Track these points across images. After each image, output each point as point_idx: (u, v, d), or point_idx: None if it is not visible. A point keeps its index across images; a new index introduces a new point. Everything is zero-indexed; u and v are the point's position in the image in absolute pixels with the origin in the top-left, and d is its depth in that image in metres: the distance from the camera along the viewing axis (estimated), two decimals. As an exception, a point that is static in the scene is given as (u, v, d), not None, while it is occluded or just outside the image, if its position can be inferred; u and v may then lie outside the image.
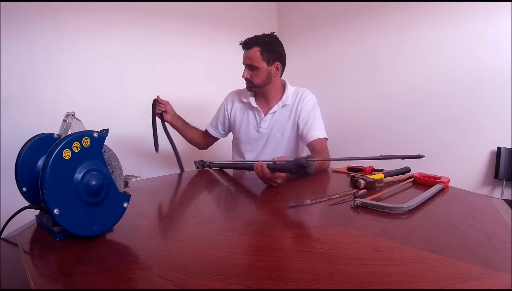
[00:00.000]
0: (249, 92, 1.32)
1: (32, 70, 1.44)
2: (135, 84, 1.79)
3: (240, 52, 1.25)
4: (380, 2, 1.95)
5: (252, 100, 1.31)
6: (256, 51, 1.19)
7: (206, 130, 1.46)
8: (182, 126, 1.35)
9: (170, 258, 0.42)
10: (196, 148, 1.49)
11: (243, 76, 1.24)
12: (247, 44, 1.21)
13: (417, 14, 1.81)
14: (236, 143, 1.42)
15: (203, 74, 2.10)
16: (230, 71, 2.16)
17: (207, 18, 2.08)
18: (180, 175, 1.16)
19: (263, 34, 1.23)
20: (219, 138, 1.48)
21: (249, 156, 1.35)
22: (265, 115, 1.29)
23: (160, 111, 1.26)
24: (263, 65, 1.21)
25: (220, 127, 1.43)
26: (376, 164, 0.99)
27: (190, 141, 1.43)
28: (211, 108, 1.54)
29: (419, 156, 0.60)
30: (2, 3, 1.31)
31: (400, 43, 1.90)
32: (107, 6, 1.63)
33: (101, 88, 1.66)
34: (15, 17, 1.37)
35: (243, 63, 1.24)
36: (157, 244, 0.47)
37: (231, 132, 1.46)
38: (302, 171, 0.73)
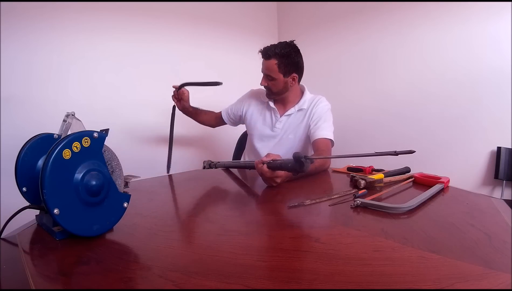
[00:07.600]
0: None
1: (32, 70, 1.43)
2: (136, 84, 1.79)
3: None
4: (380, 2, 1.95)
5: (271, 102, 1.34)
6: (273, 63, 1.21)
7: (220, 113, 1.52)
8: (193, 111, 1.44)
9: (170, 258, 0.42)
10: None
11: (261, 84, 1.28)
12: (266, 54, 1.22)
13: (417, 14, 1.80)
14: (249, 139, 1.46)
15: (204, 74, 2.09)
16: (231, 70, 2.17)
17: (207, 18, 2.08)
18: (180, 175, 1.16)
19: (283, 42, 1.23)
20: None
21: (263, 152, 1.35)
22: (280, 117, 1.32)
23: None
24: (279, 76, 1.23)
25: (232, 117, 1.48)
26: (377, 164, 0.99)
27: (201, 123, 1.53)
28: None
29: (410, 152, 0.60)
30: (2, 3, 1.31)
31: (400, 43, 1.90)
32: (107, 6, 1.63)
33: (101, 88, 1.66)
34: (15, 17, 1.37)
35: (262, 71, 1.26)
36: (157, 244, 0.47)
37: (239, 125, 1.53)
38: (297, 166, 0.71)
